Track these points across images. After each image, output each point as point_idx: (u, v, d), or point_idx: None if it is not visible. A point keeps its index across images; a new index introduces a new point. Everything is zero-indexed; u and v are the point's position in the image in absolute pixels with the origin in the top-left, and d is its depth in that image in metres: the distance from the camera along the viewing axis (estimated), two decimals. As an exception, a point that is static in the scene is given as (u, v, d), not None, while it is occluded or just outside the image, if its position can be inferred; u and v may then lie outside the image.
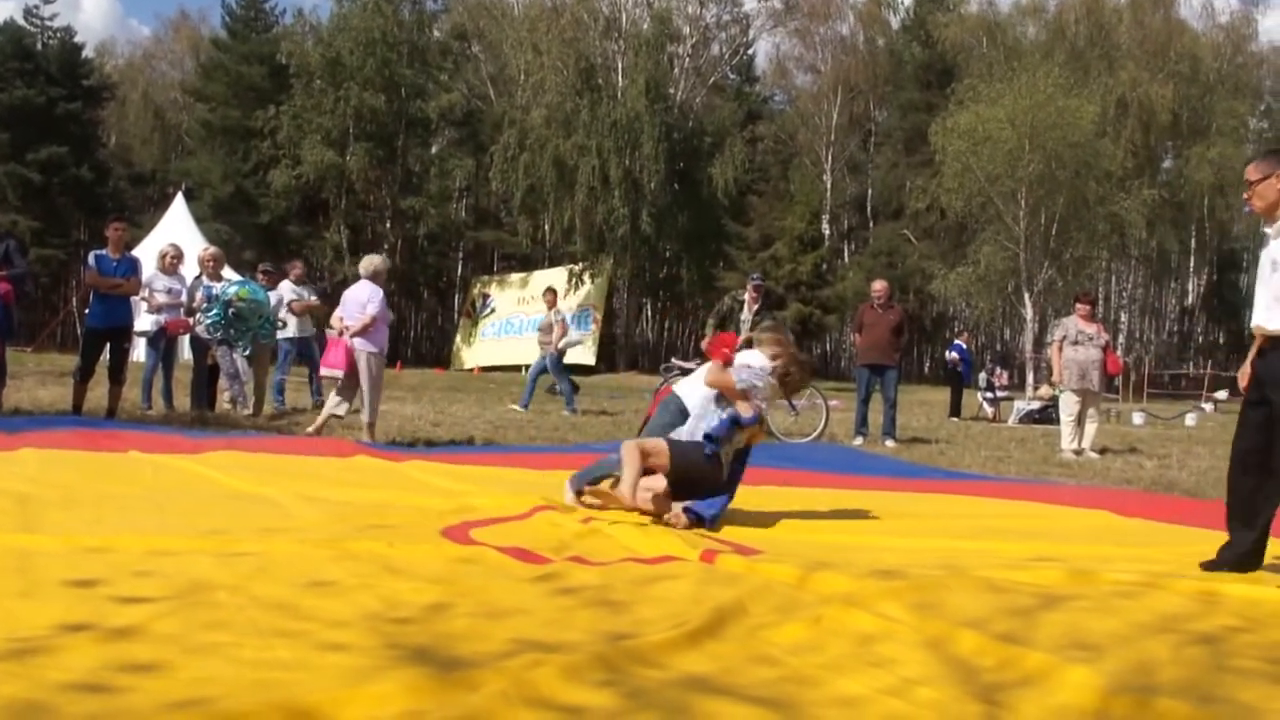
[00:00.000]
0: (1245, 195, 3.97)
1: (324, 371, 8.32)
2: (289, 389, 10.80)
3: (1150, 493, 6.66)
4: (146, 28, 78.34)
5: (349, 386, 7.84)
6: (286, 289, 10.81)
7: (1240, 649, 2.55)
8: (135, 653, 2.17)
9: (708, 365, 4.62)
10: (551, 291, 13.99)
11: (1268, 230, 3.89)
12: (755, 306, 10.12)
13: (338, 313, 7.99)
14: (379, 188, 37.55)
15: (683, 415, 4.61)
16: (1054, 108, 26.84)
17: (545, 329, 12.62)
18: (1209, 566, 3.78)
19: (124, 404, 8.86)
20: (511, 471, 6.12)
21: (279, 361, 10.84)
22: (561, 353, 12.41)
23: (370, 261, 8.06)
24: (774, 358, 4.63)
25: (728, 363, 4.55)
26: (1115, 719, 2.01)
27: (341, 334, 7.79)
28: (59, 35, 41.23)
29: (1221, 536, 4.62)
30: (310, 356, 10.80)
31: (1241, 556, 3.77)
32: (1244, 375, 3.95)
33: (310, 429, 7.92)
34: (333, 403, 7.95)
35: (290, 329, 10.70)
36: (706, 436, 4.40)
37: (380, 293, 7.77)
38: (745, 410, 4.41)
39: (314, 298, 11.21)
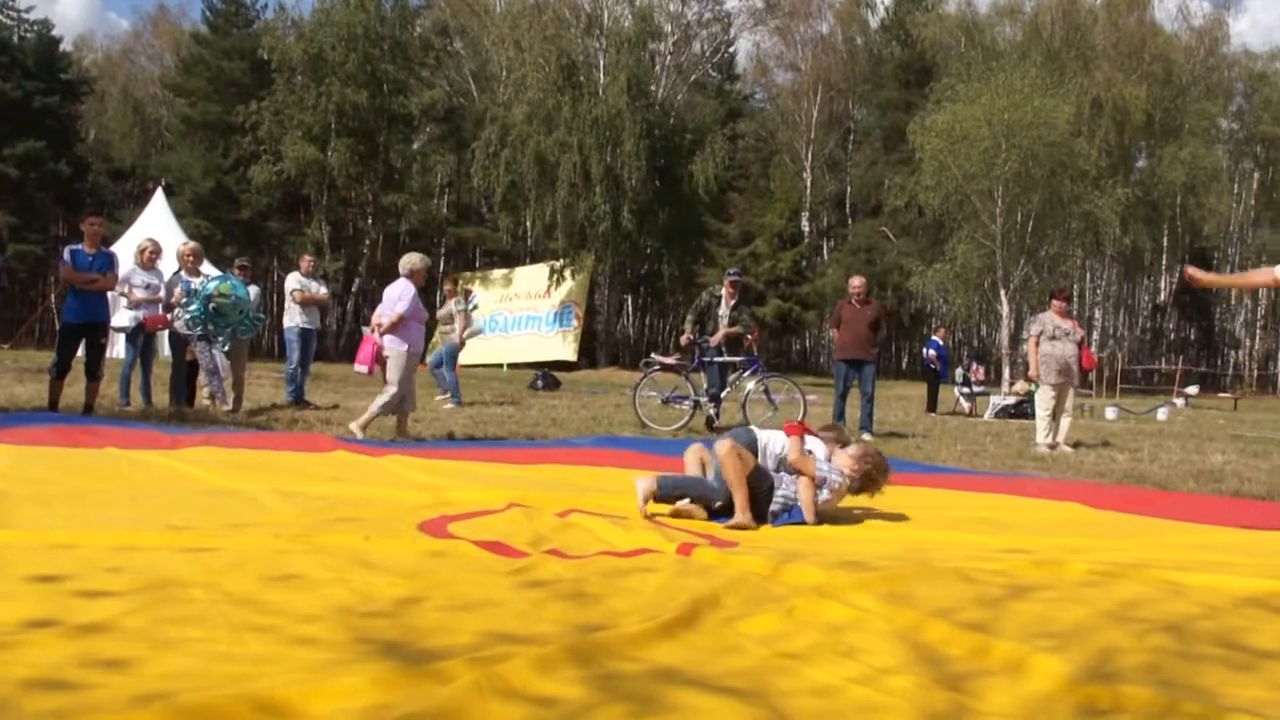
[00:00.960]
0: None
1: (356, 367, 8.37)
2: (269, 384, 10.78)
3: (1122, 486, 6.73)
4: (125, 21, 77.60)
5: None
6: (294, 280, 10.86)
7: (1201, 636, 2.60)
8: (102, 648, 2.16)
9: (792, 440, 4.66)
10: (452, 281, 14.04)
11: None
12: (732, 301, 10.18)
13: (378, 310, 8.01)
14: (360, 184, 37.45)
15: (751, 449, 4.65)
16: (1030, 107, 27.08)
17: (446, 319, 12.67)
18: None
19: (102, 400, 8.79)
20: (490, 467, 6.11)
21: (287, 352, 10.82)
22: (462, 344, 12.47)
23: (408, 260, 8.04)
24: (852, 469, 4.65)
25: (802, 436, 4.66)
26: (1081, 706, 2.04)
27: (374, 331, 7.78)
28: (36, 28, 40.78)
29: (1189, 528, 4.70)
30: (310, 348, 10.80)
31: None
32: None
33: (395, 436, 7.78)
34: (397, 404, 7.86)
35: (296, 319, 10.71)
36: (786, 511, 4.48)
37: (412, 290, 7.72)
38: (808, 513, 4.48)
39: (322, 290, 11.18)
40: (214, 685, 1.93)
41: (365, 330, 8.38)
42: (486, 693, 1.90)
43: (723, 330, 10.08)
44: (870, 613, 2.68)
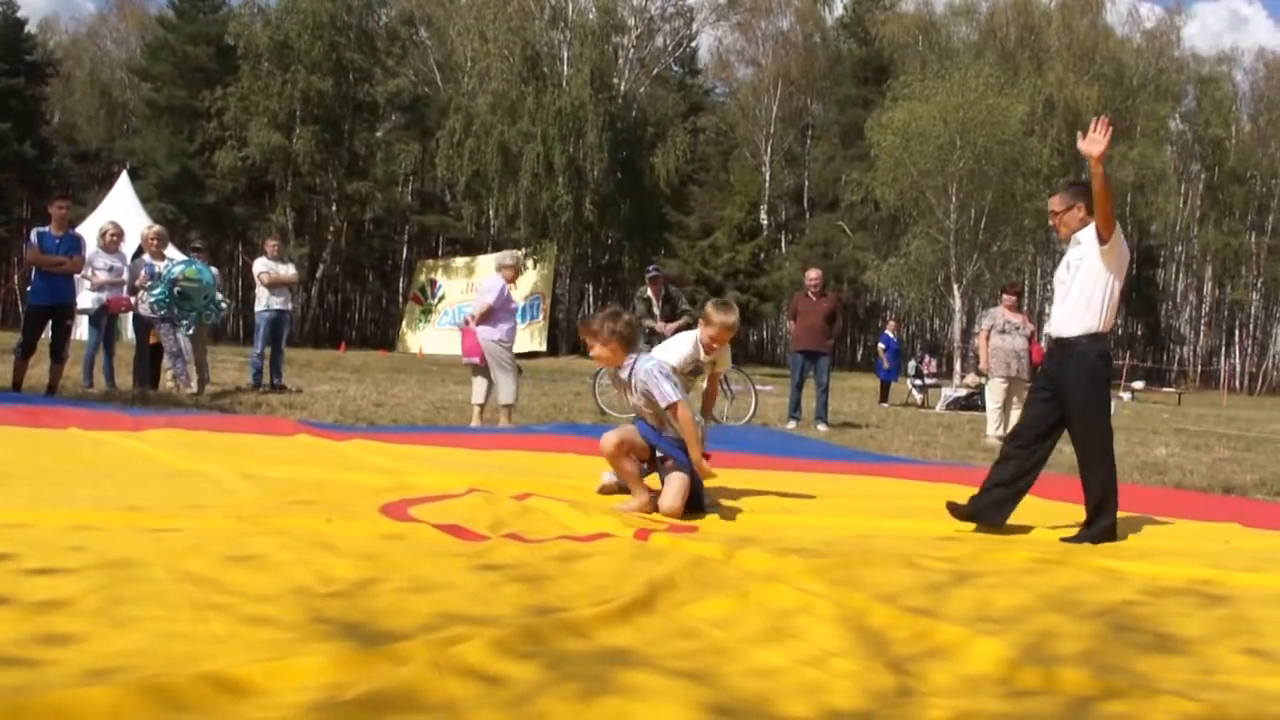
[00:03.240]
0: (1051, 223, 4.42)
1: (464, 360, 8.80)
2: (233, 368, 10.67)
3: (1069, 476, 6.89)
4: (91, 4, 75.71)
5: (487, 373, 8.21)
6: (261, 264, 10.75)
7: (1137, 622, 2.68)
8: (58, 626, 2.16)
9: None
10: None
11: (1075, 239, 4.29)
12: (661, 298, 10.10)
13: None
14: (325, 171, 37.21)
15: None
16: (984, 106, 27.49)
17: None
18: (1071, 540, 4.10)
19: (65, 382, 8.75)
20: (451, 451, 6.12)
21: (256, 335, 10.68)
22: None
23: (499, 256, 8.62)
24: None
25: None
26: (1020, 688, 2.11)
27: (468, 323, 8.32)
28: (0, 10, 39.76)
29: (1132, 518, 4.88)
30: (280, 331, 10.68)
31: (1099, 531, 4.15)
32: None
33: (474, 422, 8.19)
34: (479, 391, 8.29)
35: (267, 302, 10.58)
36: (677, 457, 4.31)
37: (499, 283, 8.19)
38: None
39: (289, 270, 11.02)
40: (171, 664, 1.94)
41: (462, 324, 8.88)
42: (445, 671, 1.93)
43: (669, 326, 10.05)
44: (819, 597, 2.74)
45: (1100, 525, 4.17)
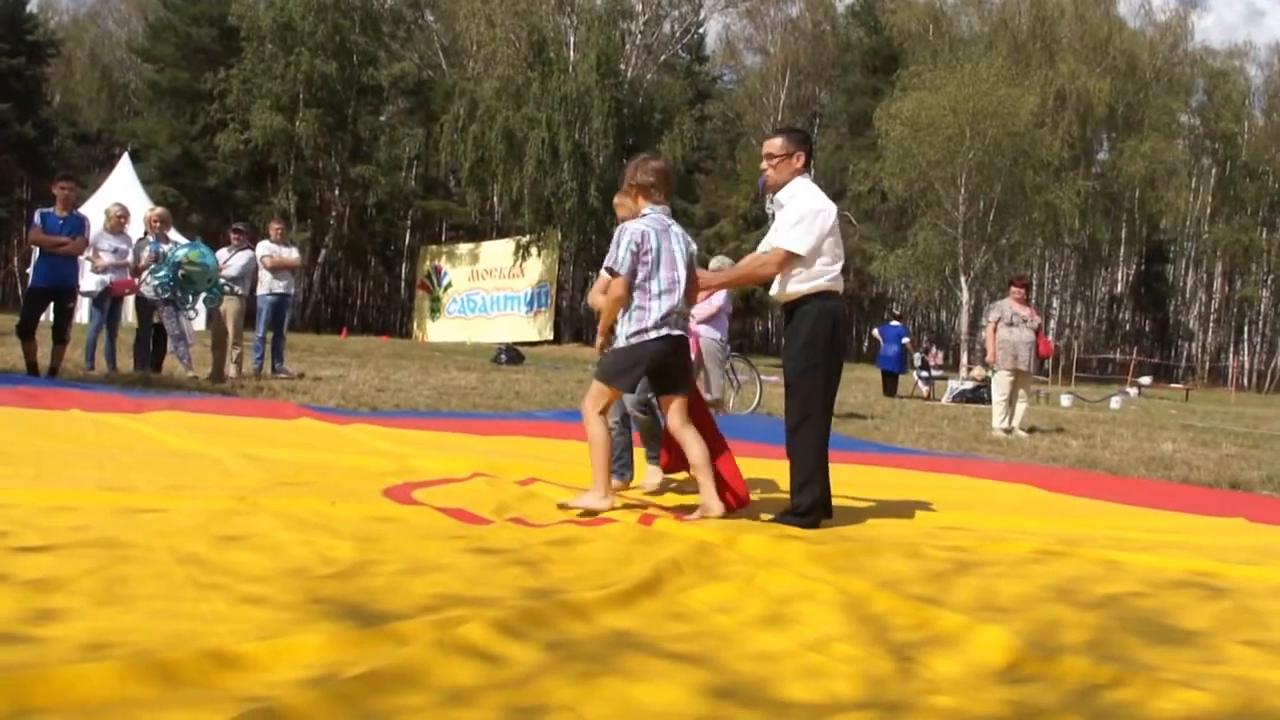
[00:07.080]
0: (763, 165, 3.94)
1: None
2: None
3: (1075, 470, 6.88)
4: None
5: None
6: (264, 247, 10.69)
7: (1140, 613, 2.67)
8: (56, 603, 2.17)
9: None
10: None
11: (776, 200, 3.96)
12: None
13: None
14: (328, 154, 37.15)
15: None
16: (994, 97, 27.31)
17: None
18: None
19: (67, 364, 8.76)
20: (455, 437, 6.13)
21: (258, 319, 10.67)
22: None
23: (717, 261, 8.84)
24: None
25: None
26: (1021, 675, 2.10)
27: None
28: (2, -11, 39.81)
29: (1137, 512, 4.86)
30: (282, 315, 10.65)
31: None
32: None
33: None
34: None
35: (268, 285, 10.55)
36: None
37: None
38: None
39: (292, 254, 11.00)
40: (172, 641, 1.94)
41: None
42: (447, 651, 1.93)
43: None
44: (821, 583, 2.74)
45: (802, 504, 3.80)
